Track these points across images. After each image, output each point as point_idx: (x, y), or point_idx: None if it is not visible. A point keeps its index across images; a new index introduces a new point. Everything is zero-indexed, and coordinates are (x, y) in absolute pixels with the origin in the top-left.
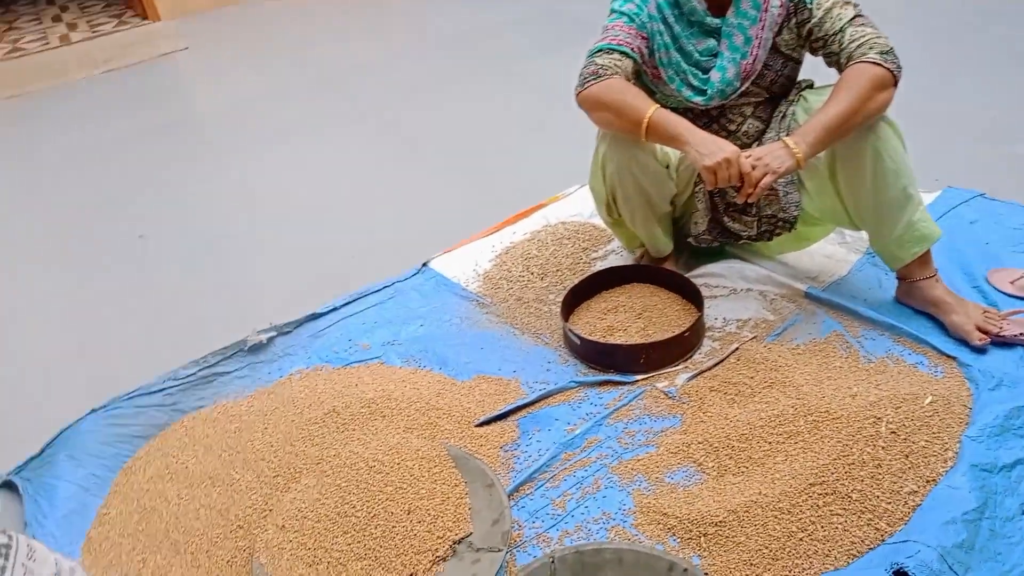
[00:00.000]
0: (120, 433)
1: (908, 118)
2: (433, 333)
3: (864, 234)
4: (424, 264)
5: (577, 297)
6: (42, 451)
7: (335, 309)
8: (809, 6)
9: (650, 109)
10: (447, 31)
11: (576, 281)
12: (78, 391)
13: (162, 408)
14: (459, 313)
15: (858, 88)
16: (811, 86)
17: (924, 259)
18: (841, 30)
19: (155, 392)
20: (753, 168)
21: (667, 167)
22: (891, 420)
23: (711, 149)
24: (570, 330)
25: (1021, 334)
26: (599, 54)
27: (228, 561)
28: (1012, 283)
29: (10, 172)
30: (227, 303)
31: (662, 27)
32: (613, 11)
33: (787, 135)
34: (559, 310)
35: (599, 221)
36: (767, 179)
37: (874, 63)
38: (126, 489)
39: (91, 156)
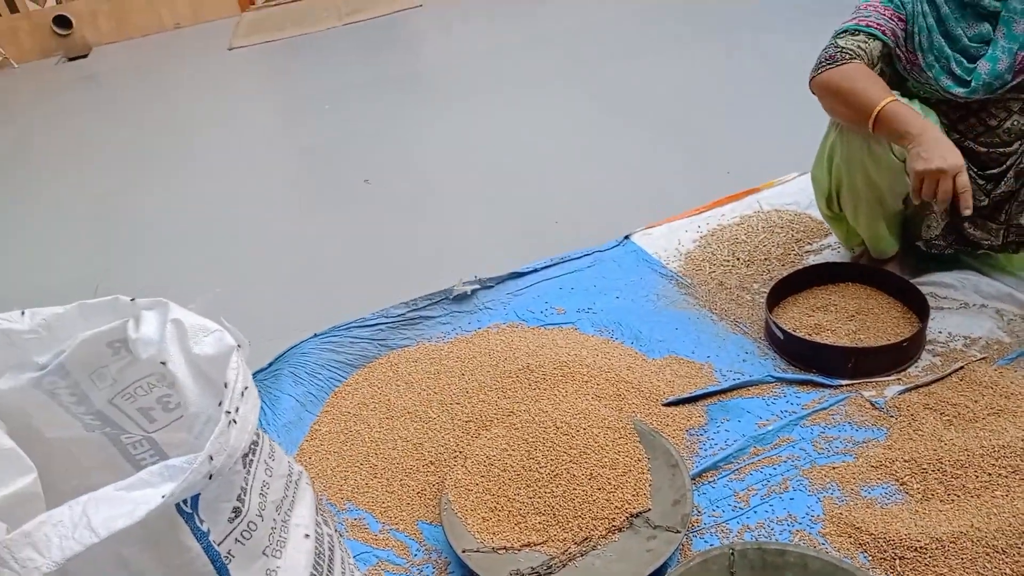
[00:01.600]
0: (335, 359)
1: None
2: (628, 307)
3: None
4: (626, 237)
5: (784, 290)
6: (269, 365)
7: (535, 270)
8: None
9: (884, 99)
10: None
11: (785, 273)
12: (303, 316)
13: (372, 342)
14: (657, 290)
15: None
16: None
17: None
18: None
19: (368, 326)
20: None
21: (903, 161)
22: None
23: (931, 154)
24: (774, 322)
25: None
26: (843, 35)
27: (419, 492)
28: None
29: (261, 110)
30: (436, 251)
31: (926, 7)
32: None
33: None
34: (763, 300)
35: (816, 212)
36: None
37: None
38: (336, 411)
39: (330, 100)
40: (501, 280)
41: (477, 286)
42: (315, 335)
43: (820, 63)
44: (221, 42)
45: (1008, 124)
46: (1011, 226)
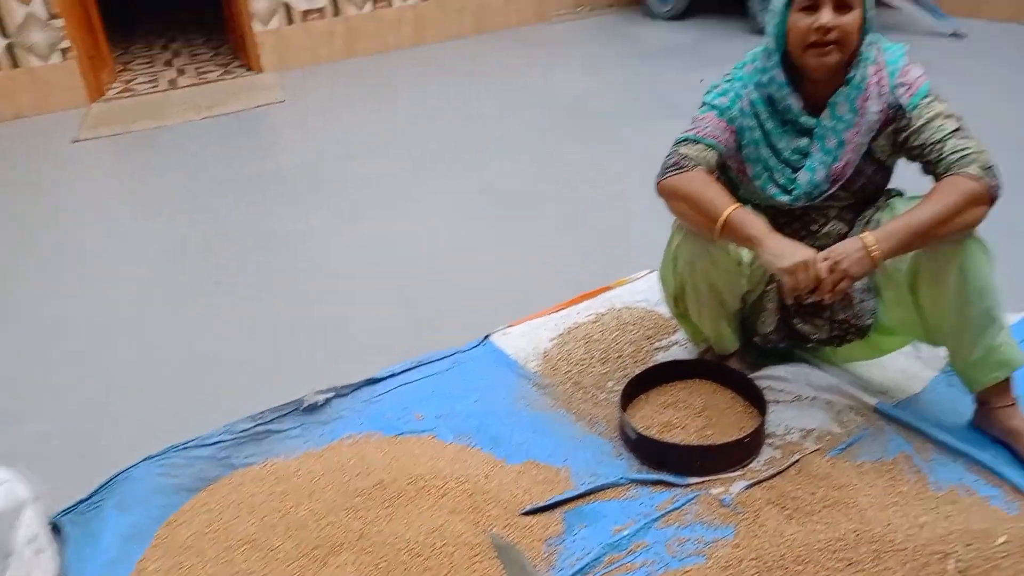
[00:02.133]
0: (170, 484)
1: (1000, 234)
2: (488, 410)
3: (942, 351)
4: (486, 337)
5: (637, 388)
6: (92, 495)
7: (393, 375)
8: (909, 114)
9: (729, 207)
10: (543, 97)
11: (638, 370)
12: (138, 434)
13: (213, 461)
14: (515, 392)
15: (951, 198)
16: (900, 195)
17: (1004, 385)
18: (942, 140)
19: (209, 445)
20: (830, 271)
21: (739, 263)
22: (960, 558)
23: (786, 251)
24: (626, 422)
25: None
26: (684, 144)
27: None
28: None
29: (107, 207)
30: (290, 357)
31: (753, 122)
32: (704, 103)
33: (869, 233)
34: (617, 399)
35: (665, 309)
36: (843, 284)
37: (972, 177)
38: (168, 543)
39: (182, 198)
40: (357, 387)
41: (331, 395)
42: (147, 458)
43: (666, 168)
44: (67, 134)
45: (827, 228)
46: (834, 321)
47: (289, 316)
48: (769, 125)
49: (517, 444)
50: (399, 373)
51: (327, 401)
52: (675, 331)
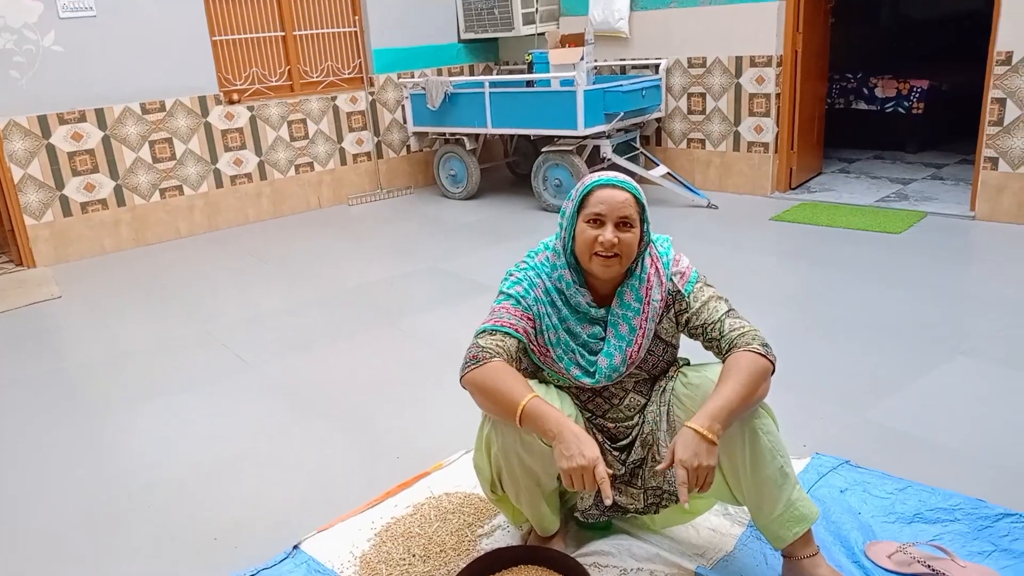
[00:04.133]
0: None
1: (775, 384)
2: None
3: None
4: (295, 546)
5: None
6: None
7: None
8: (687, 298)
9: (524, 399)
10: (338, 285)
11: (462, 564)
12: None
13: None
14: None
15: (749, 373)
16: (688, 363)
17: (805, 537)
18: (720, 320)
19: None
20: (695, 471)
21: (550, 445)
22: None
23: (572, 451)
24: None
25: None
26: (482, 335)
27: None
28: (889, 557)
29: None
30: None
31: (549, 309)
32: (501, 292)
33: (695, 421)
34: None
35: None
36: (710, 477)
37: (758, 353)
38: None
39: None
40: None
41: None
42: None
43: (466, 363)
44: None
45: (627, 401)
46: (647, 489)
47: (64, 545)
48: (564, 312)
49: None
50: None
51: None
52: (497, 514)
